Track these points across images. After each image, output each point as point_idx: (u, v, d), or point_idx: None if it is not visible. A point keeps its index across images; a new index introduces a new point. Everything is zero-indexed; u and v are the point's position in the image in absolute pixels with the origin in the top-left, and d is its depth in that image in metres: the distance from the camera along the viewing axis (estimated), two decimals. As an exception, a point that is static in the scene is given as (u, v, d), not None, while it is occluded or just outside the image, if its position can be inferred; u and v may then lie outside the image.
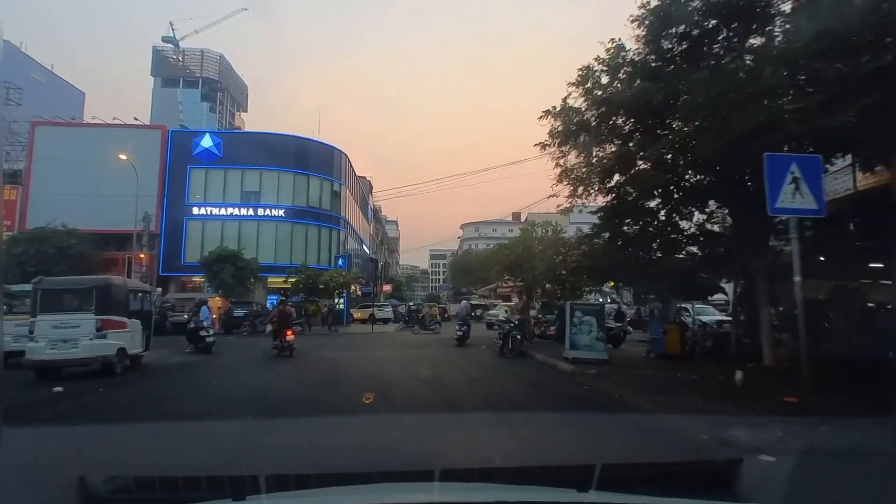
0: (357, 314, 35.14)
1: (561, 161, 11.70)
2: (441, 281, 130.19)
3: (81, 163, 29.90)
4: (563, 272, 18.02)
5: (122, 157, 27.11)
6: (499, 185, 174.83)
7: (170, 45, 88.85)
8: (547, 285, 20.15)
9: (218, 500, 1.64)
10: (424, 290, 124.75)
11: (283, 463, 4.33)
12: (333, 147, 34.71)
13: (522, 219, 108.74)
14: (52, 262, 25.12)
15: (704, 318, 19.13)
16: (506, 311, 15.88)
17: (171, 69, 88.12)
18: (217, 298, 26.38)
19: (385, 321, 38.45)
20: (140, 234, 28.36)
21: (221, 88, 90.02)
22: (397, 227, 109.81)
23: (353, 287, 28.97)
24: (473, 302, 52.57)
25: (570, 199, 11.96)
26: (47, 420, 6.47)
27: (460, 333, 17.42)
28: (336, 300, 29.58)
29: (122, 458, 4.38)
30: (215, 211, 31.18)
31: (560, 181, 11.75)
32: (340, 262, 31.21)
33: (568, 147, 11.43)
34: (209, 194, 31.22)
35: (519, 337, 13.47)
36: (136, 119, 29.75)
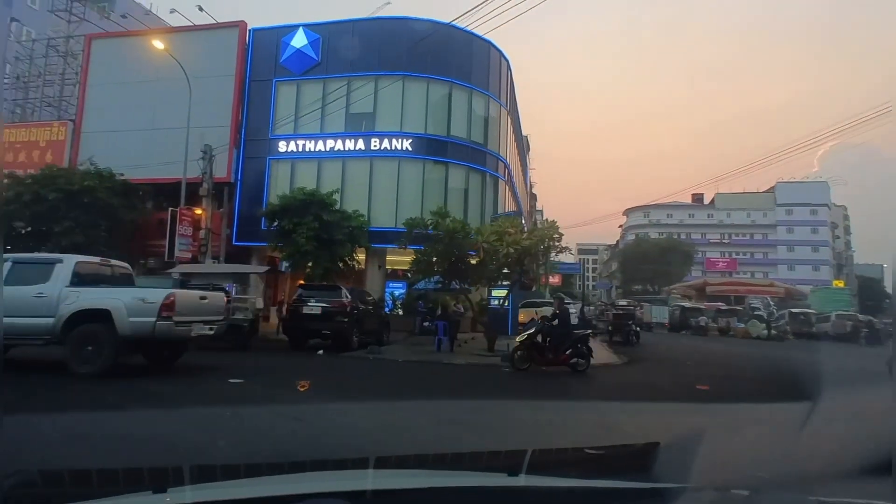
0: (520, 316, 21.52)
1: None
2: (592, 279, 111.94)
3: (138, 85, 20.93)
4: None
5: (159, 44, 17.03)
6: (667, 164, 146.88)
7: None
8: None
9: (136, 493, 1.50)
10: (572, 288, 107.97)
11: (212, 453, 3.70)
12: (490, 43, 21.30)
13: (707, 200, 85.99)
14: (52, 213, 15.80)
15: None
16: None
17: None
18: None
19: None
20: (198, 181, 18.13)
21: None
22: (543, 215, 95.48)
23: (540, 263, 14.51)
24: (686, 305, 35.52)
25: None
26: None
27: None
28: (487, 292, 16.30)
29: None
30: (309, 145, 19.92)
31: None
32: (502, 225, 17.67)
33: None
34: (301, 121, 20.06)
35: None
36: (200, 8, 19.76)
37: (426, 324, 17.89)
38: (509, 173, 23.31)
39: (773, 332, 27.37)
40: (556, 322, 10.21)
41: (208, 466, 2.07)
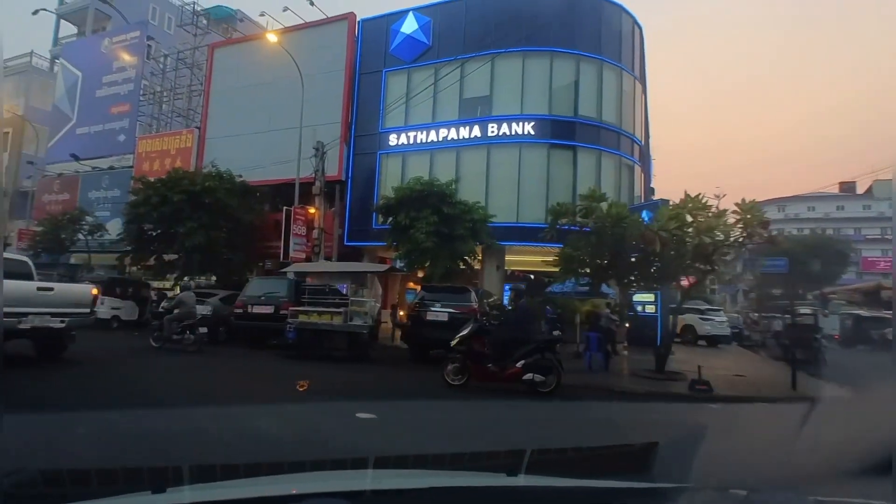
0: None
1: None
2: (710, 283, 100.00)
3: (255, 88, 21.10)
4: None
5: (272, 37, 16.63)
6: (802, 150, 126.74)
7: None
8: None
9: (135, 494, 1.47)
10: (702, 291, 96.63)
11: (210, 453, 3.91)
12: (621, 6, 18.41)
13: (862, 189, 72.63)
14: (177, 214, 15.90)
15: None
16: None
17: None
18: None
19: (716, 341, 20.75)
20: (311, 180, 17.46)
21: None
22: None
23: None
24: (863, 313, 29.11)
25: None
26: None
27: None
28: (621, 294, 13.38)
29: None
30: (421, 136, 18.51)
31: None
32: (645, 215, 14.73)
33: None
34: (413, 111, 18.73)
35: None
36: (311, 2, 19.23)
37: (556, 332, 15.57)
38: (647, 155, 20.09)
39: None
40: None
41: (208, 466, 2.04)
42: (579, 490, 1.69)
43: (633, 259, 9.65)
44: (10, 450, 2.82)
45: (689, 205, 8.49)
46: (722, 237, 8.08)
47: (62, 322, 7.56)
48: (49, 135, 27.24)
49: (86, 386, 6.91)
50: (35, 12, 27.06)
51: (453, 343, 7.98)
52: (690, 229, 8.26)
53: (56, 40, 33.13)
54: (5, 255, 8.38)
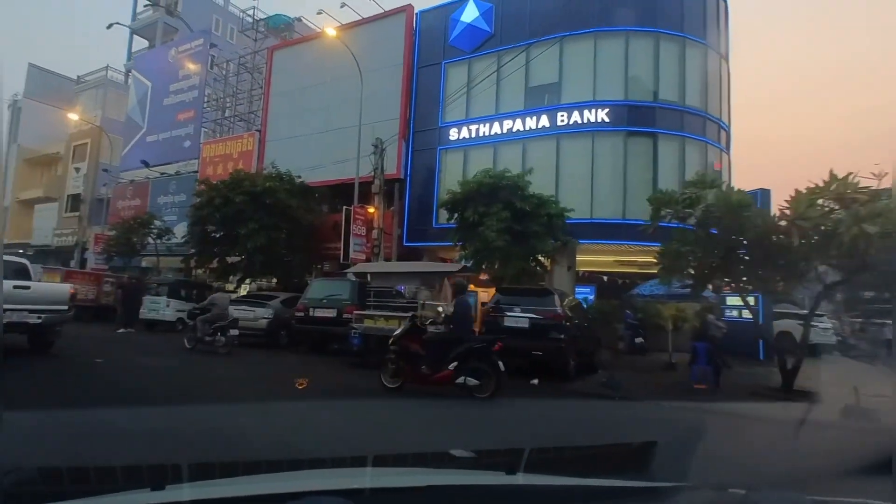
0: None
1: None
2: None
3: (313, 89, 20.85)
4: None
5: (330, 31, 16.09)
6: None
7: None
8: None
9: (134, 491, 1.47)
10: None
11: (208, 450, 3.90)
12: (704, -23, 16.57)
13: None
14: (238, 215, 15.69)
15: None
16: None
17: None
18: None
19: (819, 350, 18.23)
20: (370, 179, 16.85)
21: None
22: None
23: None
24: None
25: None
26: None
27: None
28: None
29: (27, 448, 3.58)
30: (483, 129, 17.45)
31: None
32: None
33: None
34: (474, 103, 17.72)
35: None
36: (370, -3, 18.69)
37: (638, 340, 14.09)
38: (731, 139, 18.04)
39: None
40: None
41: (207, 464, 2.01)
42: (578, 489, 1.67)
43: (747, 256, 8.11)
44: (8, 449, 2.92)
45: (833, 187, 6.89)
46: (889, 226, 6.41)
47: (39, 318, 7.91)
48: (123, 143, 28.47)
49: (103, 383, 7.11)
50: (109, 26, 28.41)
51: (391, 343, 7.41)
52: (831, 218, 6.66)
53: (129, 54, 34.79)
54: (6, 257, 8.74)
